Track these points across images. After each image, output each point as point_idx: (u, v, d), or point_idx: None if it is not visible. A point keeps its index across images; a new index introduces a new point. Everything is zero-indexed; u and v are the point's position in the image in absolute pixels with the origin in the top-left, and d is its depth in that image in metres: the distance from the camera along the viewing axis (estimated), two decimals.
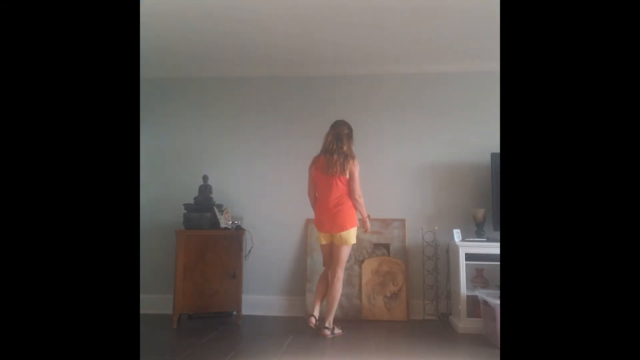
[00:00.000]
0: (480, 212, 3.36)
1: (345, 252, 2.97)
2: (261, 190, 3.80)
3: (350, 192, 2.96)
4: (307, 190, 3.14)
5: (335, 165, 2.93)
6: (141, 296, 3.40)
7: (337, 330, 2.96)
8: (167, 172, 3.86)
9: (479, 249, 3.15)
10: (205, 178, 3.54)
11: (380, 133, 3.67)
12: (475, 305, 3.09)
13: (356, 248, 3.51)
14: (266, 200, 3.78)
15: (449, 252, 3.44)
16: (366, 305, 3.45)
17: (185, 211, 3.42)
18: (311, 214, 3.68)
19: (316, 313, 2.95)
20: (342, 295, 3.45)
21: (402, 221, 3.64)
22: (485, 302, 2.86)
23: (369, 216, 3.06)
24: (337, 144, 2.98)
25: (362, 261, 3.55)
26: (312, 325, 2.91)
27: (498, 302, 2.62)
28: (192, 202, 3.47)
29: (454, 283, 3.26)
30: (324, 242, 3.03)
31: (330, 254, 3.03)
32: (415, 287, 3.55)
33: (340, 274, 2.98)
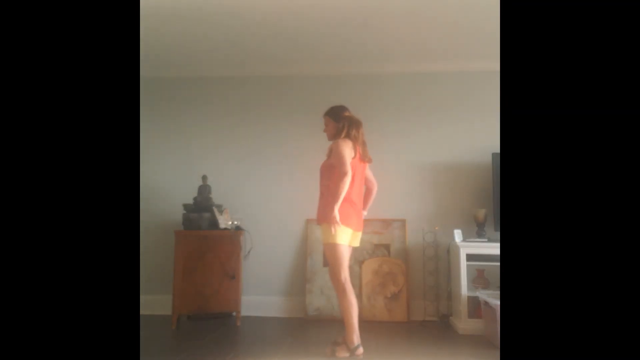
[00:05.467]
0: (481, 213, 3.35)
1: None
2: (261, 191, 3.79)
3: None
4: (347, 178, 2.46)
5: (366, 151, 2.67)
6: (140, 297, 3.39)
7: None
8: (166, 172, 3.85)
9: (480, 249, 3.13)
10: (204, 178, 3.53)
11: (381, 133, 3.65)
12: (476, 306, 3.08)
13: (356, 248, 3.49)
14: (266, 200, 3.76)
15: (450, 252, 3.42)
16: (366, 306, 3.43)
17: (185, 211, 3.41)
18: (311, 214, 3.68)
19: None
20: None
21: (403, 221, 3.63)
22: (486, 303, 2.84)
23: None
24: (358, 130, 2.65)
25: (363, 262, 3.54)
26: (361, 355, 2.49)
27: (499, 302, 2.60)
28: (191, 202, 3.46)
29: (455, 284, 3.25)
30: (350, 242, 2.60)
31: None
32: (416, 288, 3.54)
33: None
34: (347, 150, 2.51)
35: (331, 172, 2.53)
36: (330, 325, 3.20)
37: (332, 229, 2.43)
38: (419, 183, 3.66)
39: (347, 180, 2.43)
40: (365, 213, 2.76)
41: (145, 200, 3.71)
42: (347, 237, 2.52)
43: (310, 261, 3.62)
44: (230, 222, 3.40)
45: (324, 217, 2.49)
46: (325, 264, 3.59)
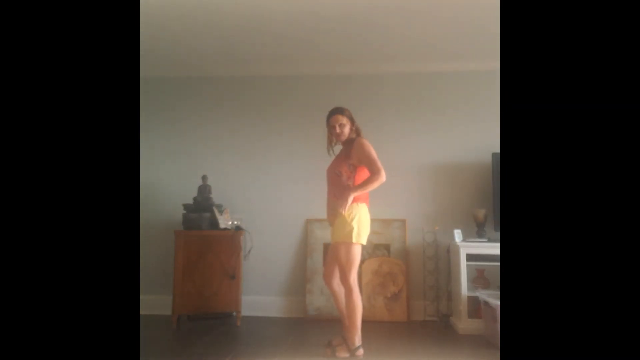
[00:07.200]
0: (481, 213, 3.35)
1: None
2: (261, 191, 3.79)
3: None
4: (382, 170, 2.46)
5: None
6: (140, 297, 3.38)
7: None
8: (166, 172, 3.85)
9: (480, 249, 3.13)
10: (204, 178, 3.53)
11: (381, 133, 3.65)
12: (476, 306, 3.07)
13: None
14: (266, 201, 3.76)
15: (450, 252, 3.42)
16: (366, 306, 3.42)
17: (185, 211, 3.40)
18: (311, 214, 3.69)
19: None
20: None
21: (403, 221, 3.63)
22: (486, 303, 2.84)
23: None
24: None
25: (363, 262, 3.53)
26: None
27: (499, 302, 2.60)
28: (191, 202, 3.46)
29: (455, 284, 3.25)
30: None
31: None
32: (416, 288, 3.54)
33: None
34: (372, 148, 2.52)
35: (352, 172, 2.52)
36: (330, 325, 3.20)
37: (343, 209, 2.42)
38: (419, 183, 3.66)
39: (384, 177, 2.42)
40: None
41: (145, 200, 3.71)
42: (366, 237, 2.52)
43: (310, 261, 3.62)
44: (230, 222, 3.40)
45: (341, 203, 2.44)
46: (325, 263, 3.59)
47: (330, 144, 2.71)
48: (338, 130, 2.58)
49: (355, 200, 2.47)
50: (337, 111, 2.60)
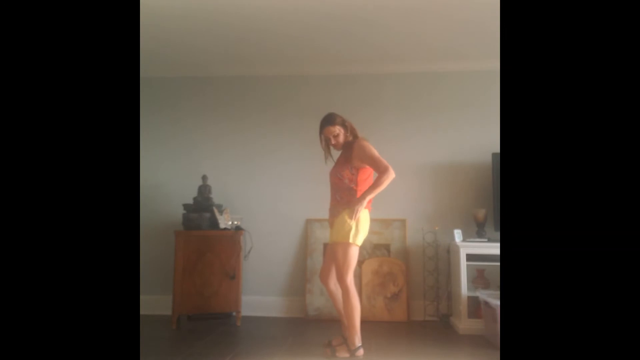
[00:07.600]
0: (481, 213, 3.35)
1: None
2: (261, 191, 3.79)
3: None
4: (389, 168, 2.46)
5: None
6: (140, 297, 3.38)
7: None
8: (166, 172, 3.85)
9: (480, 249, 3.13)
10: (204, 178, 3.53)
11: (381, 133, 3.64)
12: (476, 306, 3.08)
13: None
14: (266, 201, 3.76)
15: (450, 252, 3.42)
16: (366, 306, 3.43)
17: (185, 211, 3.41)
18: (311, 214, 3.69)
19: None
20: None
21: (403, 221, 3.63)
22: (486, 303, 2.84)
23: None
24: None
25: (363, 262, 3.54)
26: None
27: (499, 302, 2.60)
28: (191, 202, 3.46)
29: (455, 284, 3.25)
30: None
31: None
32: (416, 288, 3.54)
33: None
34: (373, 147, 2.52)
35: (354, 174, 2.54)
36: (330, 325, 3.20)
37: (354, 215, 2.42)
38: (419, 183, 3.66)
39: (393, 173, 2.43)
40: None
41: (145, 200, 3.71)
42: (363, 239, 2.52)
43: (310, 261, 3.62)
44: (230, 222, 3.39)
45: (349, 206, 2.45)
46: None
47: (327, 151, 2.69)
48: (333, 141, 2.60)
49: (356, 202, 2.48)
50: (328, 123, 2.59)
